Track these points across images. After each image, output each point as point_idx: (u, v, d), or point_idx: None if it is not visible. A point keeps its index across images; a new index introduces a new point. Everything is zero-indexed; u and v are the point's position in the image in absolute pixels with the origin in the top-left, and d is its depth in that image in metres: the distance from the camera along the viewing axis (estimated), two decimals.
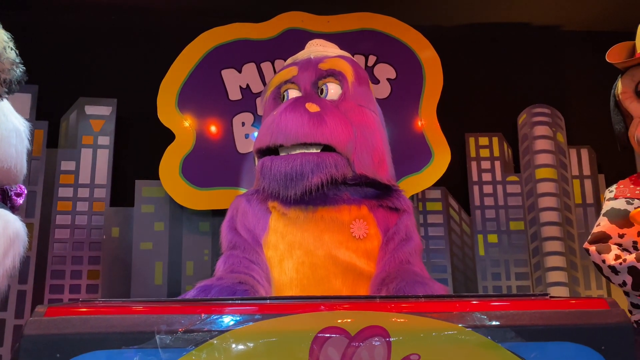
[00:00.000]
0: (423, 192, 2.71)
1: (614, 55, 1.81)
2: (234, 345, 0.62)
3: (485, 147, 2.84)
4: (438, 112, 2.71)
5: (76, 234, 2.64)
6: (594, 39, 3.04)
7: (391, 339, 0.65)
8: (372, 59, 2.67)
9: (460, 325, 0.67)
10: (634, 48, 1.81)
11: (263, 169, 1.46)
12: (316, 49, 1.68)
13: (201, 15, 2.80)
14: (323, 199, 1.45)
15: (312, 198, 1.43)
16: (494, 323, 0.67)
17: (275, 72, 2.50)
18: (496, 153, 2.83)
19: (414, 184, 2.56)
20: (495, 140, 2.84)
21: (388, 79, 2.66)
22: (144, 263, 2.60)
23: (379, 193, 1.53)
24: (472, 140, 2.84)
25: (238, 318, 0.65)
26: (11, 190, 1.70)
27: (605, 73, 1.91)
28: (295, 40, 2.63)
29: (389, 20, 2.72)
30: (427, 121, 2.63)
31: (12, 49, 1.62)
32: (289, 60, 1.73)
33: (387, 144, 1.63)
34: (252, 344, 0.63)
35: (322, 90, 1.54)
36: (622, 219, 1.66)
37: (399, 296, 1.01)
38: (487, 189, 2.80)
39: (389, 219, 1.49)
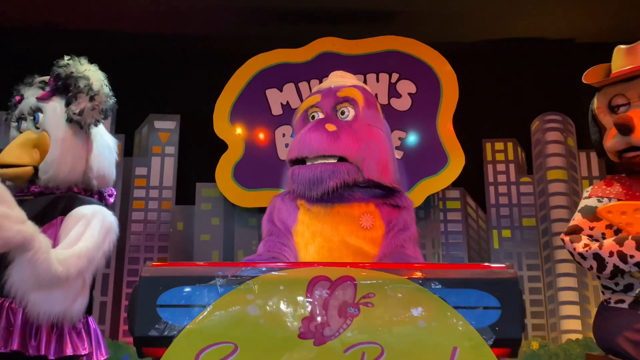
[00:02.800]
0: (443, 192, 3.00)
1: (591, 76, 2.08)
2: (261, 284, 1.03)
3: (500, 152, 3.12)
4: (457, 120, 2.98)
5: (148, 228, 3.07)
6: (603, 50, 3.24)
7: (356, 283, 1.03)
8: (395, 76, 2.97)
9: (404, 277, 1.05)
10: (609, 69, 2.09)
11: (293, 176, 1.86)
12: (336, 79, 2.06)
13: (250, 42, 3.14)
14: (339, 198, 1.83)
15: (330, 197, 1.81)
16: (425, 276, 1.05)
17: (310, 90, 2.87)
18: (510, 157, 3.10)
19: (431, 185, 2.86)
20: (510, 145, 3.12)
21: (409, 94, 2.96)
22: (203, 252, 2.98)
23: (384, 193, 1.89)
24: (488, 145, 3.12)
25: (263, 269, 1.06)
26: (105, 192, 2.17)
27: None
28: (328, 62, 3.00)
29: (409, 42, 3.02)
30: (443, 130, 2.90)
31: (106, 85, 2.08)
32: (315, 89, 2.12)
33: (391, 154, 1.98)
34: (272, 284, 1.04)
35: (340, 112, 1.93)
36: (592, 214, 1.92)
37: (369, 263, 1.36)
38: (502, 189, 3.07)
39: (392, 213, 1.85)
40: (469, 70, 3.14)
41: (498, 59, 3.24)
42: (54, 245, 1.80)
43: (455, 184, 3.01)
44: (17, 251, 1.63)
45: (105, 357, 1.98)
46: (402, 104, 2.95)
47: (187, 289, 1.03)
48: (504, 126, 3.16)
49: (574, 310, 2.81)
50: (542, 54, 3.21)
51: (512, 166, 3.08)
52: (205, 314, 1.02)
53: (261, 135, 3.03)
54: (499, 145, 3.11)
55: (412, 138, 2.94)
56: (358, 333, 1.01)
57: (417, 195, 2.83)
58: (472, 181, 3.07)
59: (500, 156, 3.11)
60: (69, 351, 1.78)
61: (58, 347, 1.77)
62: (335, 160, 1.80)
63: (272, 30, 3.13)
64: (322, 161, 1.81)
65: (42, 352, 1.73)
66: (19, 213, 1.66)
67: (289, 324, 1.01)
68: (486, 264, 1.57)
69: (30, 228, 1.67)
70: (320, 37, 3.08)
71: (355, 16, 3.12)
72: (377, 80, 2.99)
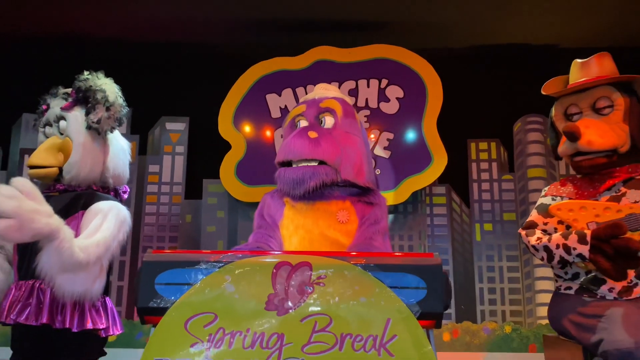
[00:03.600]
0: (430, 188, 3.21)
1: (549, 87, 2.28)
2: (236, 267, 1.29)
3: (484, 151, 3.30)
4: (444, 121, 3.15)
5: (160, 220, 3.29)
6: (585, 55, 3.39)
7: (312, 266, 1.30)
8: (384, 81, 3.17)
9: (350, 263, 1.31)
10: (567, 81, 2.29)
11: (279, 176, 2.12)
12: (320, 91, 2.30)
13: (251, 51, 3.34)
14: (320, 196, 2.07)
15: (311, 195, 2.06)
16: (366, 262, 1.30)
17: (306, 94, 3.12)
18: (493, 156, 3.29)
19: (416, 182, 3.05)
20: (493, 144, 3.30)
21: (397, 98, 3.15)
22: (209, 241, 3.20)
23: (359, 192, 2.13)
24: (473, 145, 3.31)
25: (240, 256, 1.33)
26: (120, 189, 2.43)
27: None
28: (323, 69, 3.23)
29: (398, 50, 3.20)
30: (428, 132, 3.08)
31: (120, 96, 2.34)
32: (302, 99, 2.36)
33: (366, 158, 2.20)
34: (246, 267, 1.30)
35: (321, 121, 2.18)
36: (546, 211, 2.12)
37: (324, 251, 1.59)
38: (485, 186, 3.26)
39: (365, 209, 2.09)
40: (456, 75, 3.29)
41: (483, 64, 3.42)
42: (76, 235, 2.03)
43: (441, 181, 3.21)
44: (45, 240, 1.85)
45: (120, 332, 2.25)
46: (391, 107, 3.15)
47: (179, 271, 1.31)
48: (487, 127, 3.32)
49: (549, 298, 3.01)
50: (525, 60, 3.37)
51: (494, 164, 3.27)
52: (192, 290, 1.30)
53: (261, 137, 3.23)
54: (483, 145, 3.30)
55: (399, 139, 3.12)
56: (312, 306, 1.27)
57: (403, 191, 3.06)
58: (457, 178, 3.26)
59: (484, 155, 3.29)
60: (89, 325, 2.04)
61: (80, 322, 2.02)
62: (316, 164, 2.06)
63: (272, 40, 3.32)
64: (305, 164, 2.06)
65: (67, 325, 1.99)
66: (47, 208, 1.91)
67: (257, 298, 1.28)
68: (416, 252, 1.81)
69: (56, 221, 1.92)
70: (315, 46, 3.27)
71: (348, 26, 3.31)
72: (368, 86, 3.18)
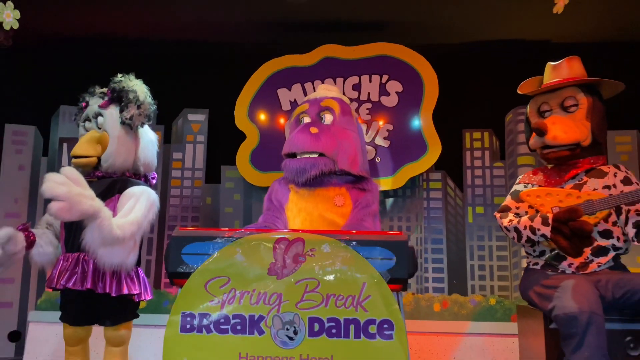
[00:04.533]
0: (427, 174, 3.45)
1: (524, 87, 2.55)
2: (245, 241, 1.64)
3: (478, 140, 3.51)
4: (441, 112, 3.37)
5: (183, 202, 3.56)
6: (576, 50, 3.55)
7: (304, 241, 1.63)
8: (385, 77, 3.40)
9: (335, 239, 1.64)
10: (542, 81, 2.55)
11: (285, 166, 2.45)
12: (322, 92, 2.61)
13: (264, 48, 3.57)
14: (319, 183, 2.40)
15: (312, 183, 2.39)
16: (348, 239, 1.62)
17: (314, 89, 3.32)
18: (486, 145, 3.50)
19: (413, 169, 3.31)
20: (486, 134, 3.51)
21: (397, 92, 3.39)
22: (227, 221, 3.47)
23: (354, 179, 2.45)
24: (467, 135, 3.52)
25: (248, 233, 1.67)
26: (149, 176, 2.75)
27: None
28: (329, 65, 3.47)
29: (398, 47, 3.42)
30: (424, 123, 3.32)
31: (149, 96, 2.64)
32: (305, 98, 2.67)
33: (360, 150, 2.50)
34: (253, 241, 1.64)
35: (322, 118, 2.50)
36: (518, 197, 2.42)
37: (316, 230, 1.90)
38: (478, 172, 3.48)
39: (359, 195, 2.40)
40: (453, 70, 3.50)
41: (478, 60, 3.61)
42: (113, 215, 2.34)
43: (437, 168, 3.45)
44: (89, 219, 2.16)
45: (150, 298, 2.60)
46: (391, 101, 3.40)
47: (200, 244, 1.66)
48: (481, 118, 3.53)
49: None
50: (517, 55, 3.54)
51: (487, 153, 3.49)
52: (211, 259, 1.64)
53: (273, 127, 3.46)
54: (477, 135, 3.52)
55: (398, 130, 3.37)
56: (304, 272, 1.61)
57: (401, 177, 3.33)
58: (452, 165, 3.49)
59: (477, 144, 3.51)
60: (125, 290, 2.38)
61: (117, 287, 2.36)
62: (317, 155, 2.38)
63: (283, 39, 3.54)
64: (307, 156, 2.39)
65: (107, 290, 2.34)
66: (90, 192, 2.22)
67: (261, 266, 1.62)
68: (388, 231, 2.13)
69: (98, 203, 2.22)
70: (323, 44, 3.50)
71: (353, 25, 3.53)
72: (370, 81, 3.43)
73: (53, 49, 3.73)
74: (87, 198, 2.16)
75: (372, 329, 1.56)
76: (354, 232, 1.68)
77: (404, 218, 3.50)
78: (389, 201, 3.54)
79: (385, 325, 1.56)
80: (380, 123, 3.40)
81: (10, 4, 2.56)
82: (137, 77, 2.66)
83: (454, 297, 3.20)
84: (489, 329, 3.05)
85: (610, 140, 3.48)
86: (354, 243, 1.62)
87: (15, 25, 2.55)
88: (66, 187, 2.12)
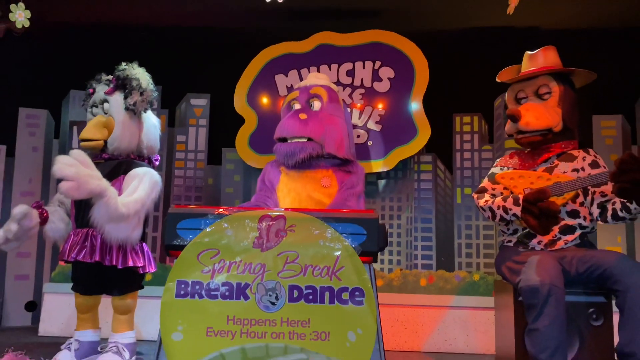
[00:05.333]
0: (418, 156, 3.60)
1: (503, 75, 2.68)
2: (233, 218, 1.83)
3: (467, 124, 3.65)
4: (432, 97, 3.50)
5: (187, 182, 3.73)
6: (563, 37, 3.63)
7: (286, 218, 1.82)
8: (377, 63, 3.53)
9: (313, 216, 1.82)
10: (520, 69, 2.68)
11: (276, 150, 2.63)
12: (311, 80, 2.77)
13: (262, 35, 3.70)
14: (308, 165, 2.57)
15: (301, 165, 2.56)
16: (325, 216, 1.81)
17: (309, 73, 3.51)
18: (475, 128, 3.64)
19: (403, 152, 3.46)
20: (475, 118, 3.64)
21: (389, 78, 3.52)
22: (227, 200, 3.66)
23: (340, 162, 2.63)
24: (457, 119, 3.66)
25: (236, 211, 1.86)
26: (152, 158, 2.93)
27: (565, 66, 2.49)
28: (324, 52, 3.60)
29: (390, 35, 3.55)
30: (415, 108, 3.46)
31: (151, 83, 2.80)
32: (296, 86, 2.84)
33: (347, 135, 2.66)
34: (239, 218, 1.84)
35: (311, 104, 2.66)
36: (494, 179, 2.58)
37: (297, 208, 2.07)
38: (467, 155, 3.62)
39: (344, 177, 2.58)
40: (444, 55, 3.63)
41: (468, 46, 3.73)
42: (119, 194, 2.51)
43: (428, 150, 3.61)
44: (96, 198, 2.33)
45: (154, 270, 2.81)
46: (383, 86, 3.54)
47: (193, 220, 1.86)
48: (471, 103, 3.65)
49: None
50: (507, 41, 3.65)
51: (476, 136, 3.64)
52: (202, 234, 1.84)
53: (270, 112, 3.61)
54: (467, 119, 3.65)
55: (389, 114, 3.51)
56: (285, 245, 1.80)
57: (392, 159, 3.49)
58: (442, 148, 3.64)
59: (467, 128, 3.65)
60: (130, 263, 2.59)
61: (123, 260, 2.57)
62: (305, 140, 2.56)
63: (280, 25, 3.67)
64: (296, 140, 2.56)
65: (114, 263, 2.54)
66: (97, 173, 2.38)
67: (247, 239, 1.82)
68: (361, 210, 2.31)
69: (104, 182, 2.39)
70: (318, 31, 3.62)
71: (347, 13, 3.65)
72: (363, 67, 3.56)
73: (63, 37, 3.88)
74: (94, 178, 2.34)
75: (345, 295, 1.75)
76: (329, 210, 1.86)
77: (395, 198, 3.68)
78: (382, 182, 3.71)
79: (357, 293, 1.75)
80: (372, 108, 3.55)
81: (21, 5, 2.74)
82: (142, 64, 2.83)
83: (440, 272, 3.39)
84: (471, 303, 3.24)
85: (596, 124, 3.61)
86: (330, 220, 1.80)
87: (27, 24, 2.73)
88: (75, 168, 2.30)
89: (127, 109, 2.71)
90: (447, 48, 3.72)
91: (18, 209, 2.55)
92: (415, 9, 3.63)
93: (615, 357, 2.16)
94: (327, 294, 1.76)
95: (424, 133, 3.47)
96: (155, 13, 3.78)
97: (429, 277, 3.37)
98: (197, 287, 1.78)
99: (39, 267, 3.83)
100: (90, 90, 2.85)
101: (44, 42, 3.43)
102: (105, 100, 2.75)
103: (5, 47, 3.59)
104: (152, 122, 2.87)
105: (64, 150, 3.80)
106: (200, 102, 3.78)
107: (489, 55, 3.63)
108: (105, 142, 2.71)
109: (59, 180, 2.30)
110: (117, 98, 2.72)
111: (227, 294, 1.77)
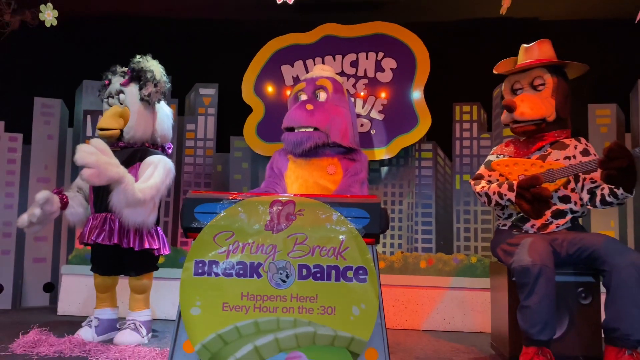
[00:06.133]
0: (419, 144, 3.72)
1: (500, 67, 2.81)
2: (246, 202, 1.98)
3: (467, 113, 3.76)
4: (433, 87, 3.61)
5: (196, 169, 3.86)
6: (561, 28, 3.74)
7: (295, 203, 1.96)
8: (380, 54, 3.65)
9: (320, 201, 1.97)
10: (516, 61, 2.81)
11: (284, 139, 2.77)
12: (317, 72, 2.89)
13: (269, 27, 3.80)
14: (314, 153, 2.72)
15: (308, 153, 2.70)
16: (331, 201, 1.95)
17: (314, 65, 3.64)
18: (475, 117, 3.75)
19: (405, 140, 3.58)
20: (474, 107, 3.75)
21: (391, 69, 3.63)
22: (236, 187, 3.80)
23: (345, 151, 2.76)
24: (457, 108, 3.77)
25: (248, 196, 2.01)
26: (166, 146, 3.09)
27: (562, 57, 2.60)
28: (329, 43, 3.71)
29: (393, 26, 3.66)
30: (416, 97, 3.58)
31: (164, 75, 2.95)
32: (303, 78, 2.96)
33: (351, 124, 2.79)
34: (252, 203, 1.98)
35: (317, 95, 2.80)
36: (490, 166, 2.72)
37: (306, 194, 2.23)
38: (466, 143, 3.74)
39: (349, 164, 2.72)
40: (445, 46, 3.74)
41: (468, 36, 3.83)
42: (136, 178, 2.70)
43: (428, 139, 3.73)
44: (115, 184, 2.52)
45: (168, 252, 2.98)
46: (385, 77, 3.66)
47: (209, 204, 2.00)
48: (471, 92, 3.75)
49: None
50: (507, 31, 3.75)
51: (475, 125, 3.76)
52: (218, 217, 1.98)
53: (277, 101, 3.72)
54: (466, 108, 3.76)
55: (391, 104, 3.64)
56: (294, 228, 1.94)
57: (394, 147, 3.63)
58: (442, 136, 3.75)
59: (466, 117, 3.77)
60: (146, 245, 2.77)
61: (140, 243, 2.75)
62: (312, 129, 2.70)
63: (286, 17, 3.74)
64: (303, 130, 2.70)
65: (131, 245, 2.72)
66: (116, 160, 2.56)
67: (260, 222, 1.96)
68: (365, 195, 2.46)
69: (122, 170, 2.56)
70: (323, 22, 3.72)
71: (351, 5, 3.75)
72: (367, 58, 3.68)
73: (76, 29, 4.00)
74: (113, 165, 2.51)
75: (350, 274, 1.90)
76: (335, 195, 2.01)
77: (397, 185, 3.82)
78: (384, 169, 3.85)
79: (360, 271, 1.90)
80: (375, 97, 3.67)
81: (50, 5, 2.87)
82: (154, 54, 2.96)
83: (439, 255, 3.54)
84: (469, 284, 3.40)
85: (591, 113, 3.73)
86: (336, 205, 1.95)
87: (55, 23, 2.85)
88: (95, 156, 2.46)
89: (141, 99, 2.85)
90: (448, 39, 3.82)
91: (40, 195, 2.70)
92: (416, 1, 3.71)
93: (602, 333, 2.31)
94: (333, 272, 1.91)
95: (424, 122, 3.59)
96: (166, 6, 3.87)
97: (429, 260, 3.52)
98: (214, 266, 1.93)
99: (56, 250, 4.00)
100: (106, 82, 2.99)
101: (57, 34, 3.54)
102: (121, 92, 2.89)
103: (20, 39, 3.72)
104: (165, 112, 3.02)
105: (78, 138, 3.95)
106: (209, 92, 3.90)
107: (488, 47, 3.76)
108: (122, 131, 2.86)
109: (79, 168, 2.46)
110: (133, 89, 2.87)
111: (241, 272, 1.92)
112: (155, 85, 2.83)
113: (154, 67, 2.87)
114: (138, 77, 2.85)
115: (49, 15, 2.75)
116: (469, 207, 3.73)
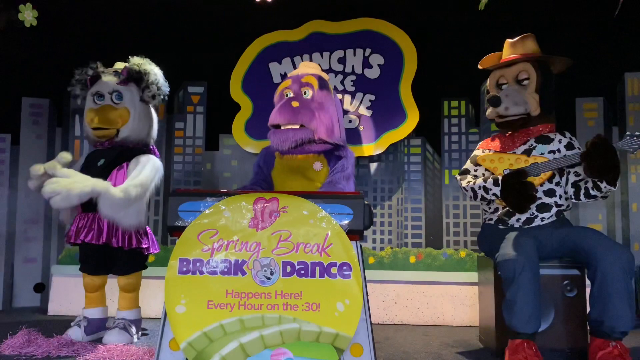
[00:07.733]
0: (408, 140, 3.75)
1: (485, 62, 2.82)
2: (230, 200, 1.98)
3: (455, 108, 3.79)
4: (422, 82, 3.62)
5: (186, 167, 3.86)
6: (548, 23, 3.75)
7: (279, 199, 1.97)
8: (368, 50, 3.65)
9: (304, 198, 1.98)
10: (501, 56, 2.82)
11: (270, 136, 2.77)
12: (303, 69, 2.90)
13: (256, 24, 3.79)
14: (301, 150, 2.72)
15: (295, 150, 2.71)
16: (313, 199, 1.96)
17: (302, 61, 3.65)
18: (463, 112, 3.78)
19: (393, 136, 3.60)
20: (462, 103, 3.78)
21: (379, 65, 3.64)
22: (225, 185, 3.81)
23: (331, 147, 2.77)
24: (446, 103, 3.80)
25: (234, 194, 2.01)
26: (154, 147, 3.07)
27: (547, 51, 2.60)
28: (317, 40, 3.71)
29: (381, 23, 3.67)
30: (404, 93, 3.59)
31: (163, 78, 2.88)
32: (289, 75, 2.96)
33: (337, 121, 2.79)
34: (237, 200, 1.99)
35: (303, 92, 2.80)
36: (476, 161, 2.74)
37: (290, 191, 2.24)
38: (454, 138, 3.77)
39: (336, 161, 2.72)
40: (434, 42, 3.77)
41: (457, 32, 3.84)
42: (124, 178, 2.67)
43: (417, 134, 3.76)
44: (94, 196, 2.48)
45: (157, 251, 2.98)
46: (373, 73, 3.67)
47: (194, 202, 2.01)
48: (459, 88, 3.78)
49: None
50: (492, 27, 3.78)
51: (463, 120, 3.78)
52: (202, 215, 1.99)
53: (265, 99, 3.64)
54: (454, 103, 3.79)
55: (379, 100, 3.64)
56: (278, 225, 1.96)
57: (382, 143, 3.64)
58: (431, 132, 3.79)
59: (454, 112, 3.79)
60: (135, 244, 2.79)
61: (129, 242, 2.74)
62: (298, 127, 2.71)
63: (274, 14, 3.66)
64: (289, 127, 2.71)
65: (120, 244, 2.73)
66: (80, 177, 2.53)
67: (243, 220, 1.97)
68: (348, 191, 2.47)
69: (91, 182, 2.51)
70: (311, 19, 3.73)
71: (338, 1, 3.77)
72: (354, 55, 3.69)
73: (63, 28, 3.97)
74: (77, 184, 2.49)
75: (334, 270, 1.91)
76: (319, 192, 2.01)
77: (386, 180, 3.83)
78: (373, 165, 3.86)
79: (345, 267, 1.91)
80: (363, 94, 3.68)
81: (29, 5, 2.86)
82: (141, 52, 2.93)
83: (428, 250, 3.56)
84: (458, 279, 3.42)
85: (579, 106, 3.76)
86: (320, 201, 1.96)
87: (35, 23, 2.84)
88: (55, 183, 2.46)
89: (142, 100, 2.85)
90: (435, 35, 3.83)
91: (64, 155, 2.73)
92: None
93: (588, 325, 2.34)
94: (317, 268, 1.92)
95: (412, 117, 3.61)
96: (152, 4, 3.84)
97: (418, 255, 3.54)
98: (198, 264, 1.94)
99: (46, 251, 3.99)
100: (88, 78, 2.93)
101: (45, 33, 3.52)
102: (118, 91, 2.85)
103: (7, 39, 3.70)
104: (156, 115, 3.03)
105: (67, 137, 3.93)
106: (197, 90, 3.90)
107: (476, 42, 3.75)
108: (118, 130, 2.83)
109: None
110: (132, 90, 2.86)
111: (225, 270, 1.93)
112: (158, 89, 2.84)
113: (155, 70, 2.88)
114: (139, 78, 2.83)
115: (28, 15, 2.74)
116: (458, 202, 3.75)
